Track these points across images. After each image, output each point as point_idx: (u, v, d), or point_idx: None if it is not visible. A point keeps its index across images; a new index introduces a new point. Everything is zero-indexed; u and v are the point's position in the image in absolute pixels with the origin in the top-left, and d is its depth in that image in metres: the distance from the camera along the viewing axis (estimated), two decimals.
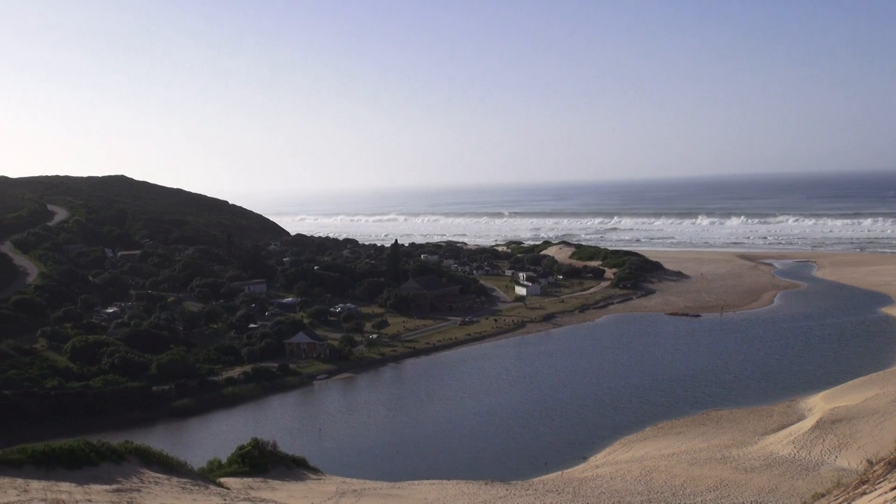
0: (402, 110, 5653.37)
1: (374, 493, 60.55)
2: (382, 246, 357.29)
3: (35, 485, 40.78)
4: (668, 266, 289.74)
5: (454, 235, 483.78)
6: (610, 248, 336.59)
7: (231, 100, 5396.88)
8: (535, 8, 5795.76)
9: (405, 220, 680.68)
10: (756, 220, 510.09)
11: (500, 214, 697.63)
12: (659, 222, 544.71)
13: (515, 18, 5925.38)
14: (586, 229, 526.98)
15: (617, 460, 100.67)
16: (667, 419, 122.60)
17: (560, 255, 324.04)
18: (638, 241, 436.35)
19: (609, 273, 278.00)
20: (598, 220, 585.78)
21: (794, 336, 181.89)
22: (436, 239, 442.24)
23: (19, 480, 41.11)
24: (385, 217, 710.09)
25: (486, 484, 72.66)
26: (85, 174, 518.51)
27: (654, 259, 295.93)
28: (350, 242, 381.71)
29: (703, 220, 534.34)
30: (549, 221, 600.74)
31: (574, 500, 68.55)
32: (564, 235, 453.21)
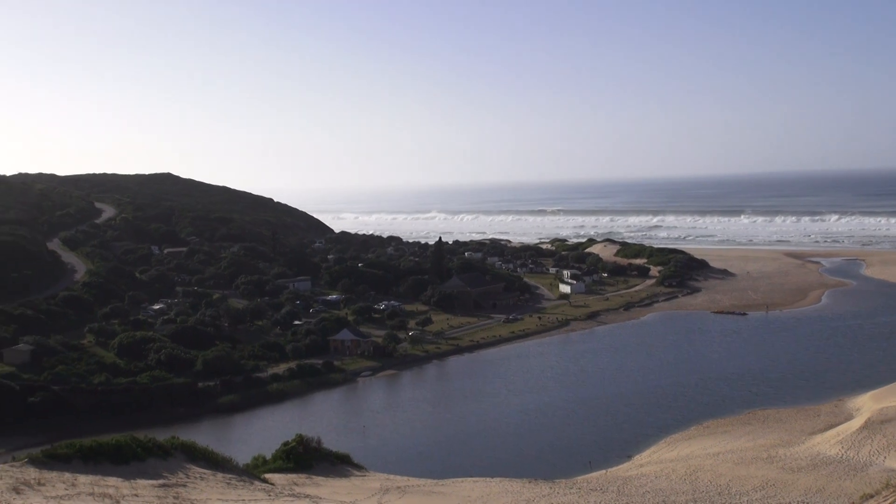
0: (432, 108, 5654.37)
1: (418, 490, 60.53)
2: (426, 243, 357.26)
3: (82, 479, 41.15)
4: (713, 264, 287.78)
5: (495, 233, 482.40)
6: (655, 246, 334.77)
7: (276, 97, 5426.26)
8: (585, 3, 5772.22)
9: (445, 218, 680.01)
10: (805, 218, 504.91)
11: (542, 212, 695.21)
12: (704, 220, 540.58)
13: (566, 12, 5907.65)
14: (630, 227, 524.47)
15: (662, 459, 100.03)
16: (712, 418, 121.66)
17: (605, 252, 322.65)
18: (682, 238, 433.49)
19: (654, 271, 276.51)
20: (642, 217, 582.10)
21: (842, 335, 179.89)
22: (475, 237, 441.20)
23: (67, 475, 41.51)
24: (425, 215, 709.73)
25: (529, 482, 72.42)
26: (132, 172, 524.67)
27: (699, 257, 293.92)
28: (394, 240, 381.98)
29: (749, 218, 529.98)
30: (592, 219, 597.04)
31: (618, 499, 68.15)
32: (608, 233, 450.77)
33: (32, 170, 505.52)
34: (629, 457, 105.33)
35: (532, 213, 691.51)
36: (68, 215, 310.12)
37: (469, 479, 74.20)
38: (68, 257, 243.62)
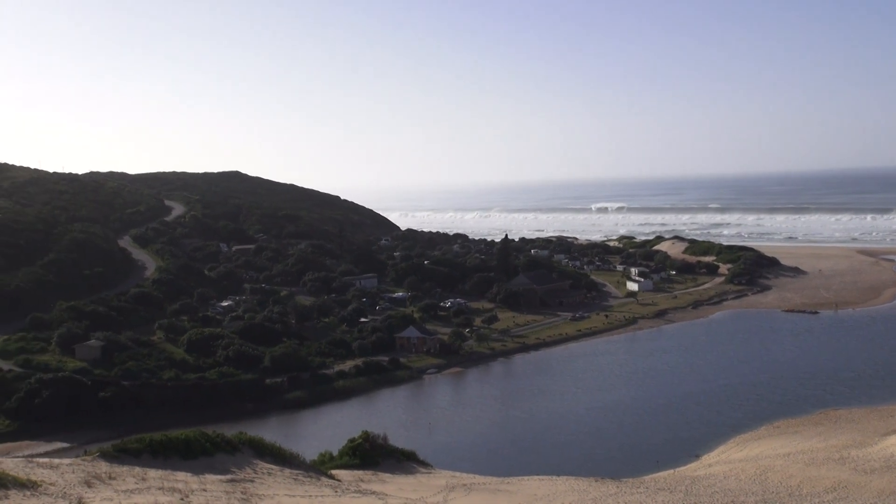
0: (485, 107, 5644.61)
1: (484, 487, 60.37)
2: (492, 241, 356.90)
3: (152, 473, 41.64)
4: (784, 262, 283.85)
5: (555, 231, 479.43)
6: (725, 244, 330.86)
7: (345, 94, 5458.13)
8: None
9: (506, 216, 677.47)
10: (881, 217, 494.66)
11: (604, 210, 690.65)
12: (772, 217, 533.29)
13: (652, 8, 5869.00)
14: (696, 224, 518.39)
15: (731, 459, 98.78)
16: (783, 418, 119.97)
17: (673, 250, 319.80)
18: (750, 235, 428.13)
19: (723, 269, 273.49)
20: (707, 214, 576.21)
21: None
22: (535, 235, 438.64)
23: (137, 469, 42.01)
24: (485, 213, 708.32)
25: (596, 481, 71.87)
26: (201, 170, 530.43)
27: (769, 255, 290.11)
28: (460, 237, 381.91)
29: (820, 216, 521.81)
30: (658, 217, 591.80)
31: (686, 499, 67.38)
32: (673, 231, 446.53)
33: (104, 168, 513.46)
34: (697, 456, 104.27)
35: (597, 211, 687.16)
36: (139, 213, 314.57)
37: (535, 477, 73.84)
38: (139, 254, 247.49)
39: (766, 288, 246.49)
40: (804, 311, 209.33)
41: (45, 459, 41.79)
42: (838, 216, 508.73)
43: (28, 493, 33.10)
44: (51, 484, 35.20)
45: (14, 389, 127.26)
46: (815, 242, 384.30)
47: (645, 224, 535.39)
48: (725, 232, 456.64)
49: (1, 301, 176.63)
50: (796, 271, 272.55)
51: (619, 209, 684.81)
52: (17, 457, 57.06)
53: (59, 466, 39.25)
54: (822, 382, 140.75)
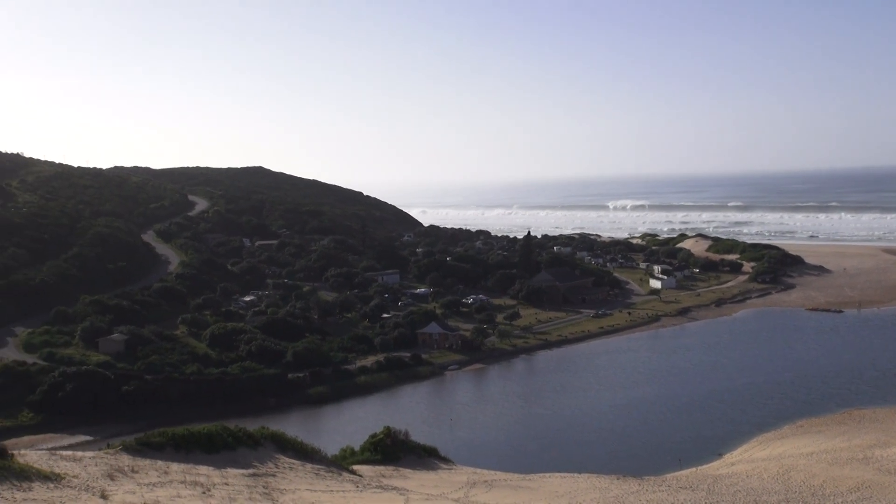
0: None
1: (505, 484, 60.29)
2: (514, 238, 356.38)
3: (175, 467, 41.78)
4: (808, 260, 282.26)
5: (574, 229, 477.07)
6: (748, 242, 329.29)
7: (366, 92, 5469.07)
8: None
9: (526, 213, 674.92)
10: None
11: (623, 208, 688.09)
12: (795, 216, 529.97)
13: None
14: (718, 222, 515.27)
15: (753, 458, 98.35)
16: (806, 417, 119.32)
17: (696, 248, 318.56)
18: (773, 234, 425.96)
19: (747, 267, 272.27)
20: (730, 213, 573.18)
21: None
22: (556, 232, 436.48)
23: (160, 462, 42.18)
24: (507, 210, 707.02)
25: (618, 478, 71.63)
26: (224, 165, 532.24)
27: (793, 253, 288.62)
28: (482, 234, 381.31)
29: (844, 214, 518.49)
30: (680, 214, 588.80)
31: (708, 498, 67.11)
32: (695, 228, 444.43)
33: (128, 163, 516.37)
34: (720, 455, 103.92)
35: (616, 209, 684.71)
36: (162, 208, 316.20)
37: (557, 474, 73.69)
38: (162, 249, 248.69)
39: (790, 286, 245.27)
40: (828, 310, 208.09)
41: (69, 452, 41.95)
42: (862, 215, 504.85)
43: (51, 485, 33.27)
44: (74, 476, 35.36)
45: (38, 382, 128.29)
46: (838, 241, 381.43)
47: (665, 222, 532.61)
48: (747, 230, 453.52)
49: (26, 295, 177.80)
50: (821, 270, 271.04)
51: (639, 207, 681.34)
52: (41, 449, 57.41)
53: (82, 459, 39.42)
54: (846, 381, 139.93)
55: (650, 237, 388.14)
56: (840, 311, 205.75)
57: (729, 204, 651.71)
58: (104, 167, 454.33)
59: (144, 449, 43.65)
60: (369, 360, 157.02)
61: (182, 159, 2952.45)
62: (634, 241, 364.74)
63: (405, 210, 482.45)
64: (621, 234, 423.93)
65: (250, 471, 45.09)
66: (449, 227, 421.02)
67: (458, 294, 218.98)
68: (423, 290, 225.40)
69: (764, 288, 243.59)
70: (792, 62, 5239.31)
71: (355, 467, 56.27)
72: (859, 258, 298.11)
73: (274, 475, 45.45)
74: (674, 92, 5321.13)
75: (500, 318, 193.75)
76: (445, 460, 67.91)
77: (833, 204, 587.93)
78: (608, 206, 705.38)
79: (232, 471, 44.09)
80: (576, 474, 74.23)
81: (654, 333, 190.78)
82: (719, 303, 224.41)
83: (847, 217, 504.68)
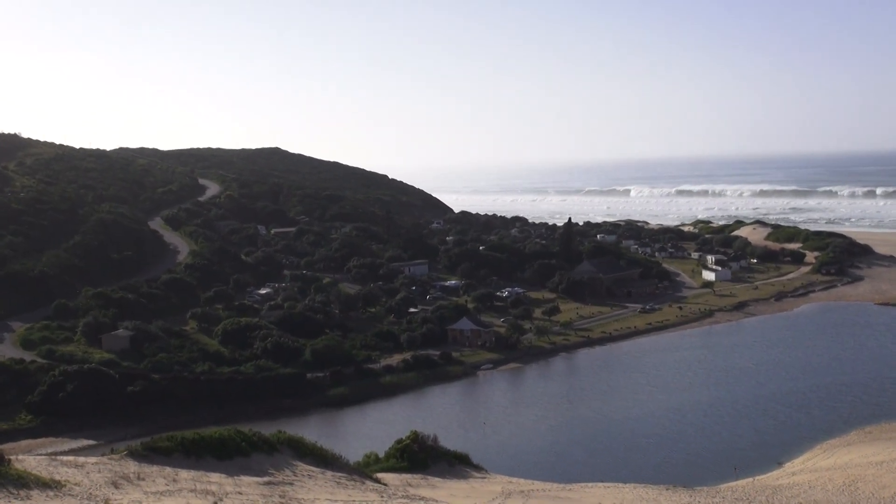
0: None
1: (543, 494, 60.33)
2: (553, 225, 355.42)
3: (184, 475, 42.05)
4: (878, 249, 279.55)
5: (622, 215, 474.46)
6: (811, 229, 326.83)
7: (390, 70, 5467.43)
8: None
9: (563, 198, 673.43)
10: None
11: (669, 193, 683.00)
12: (864, 201, 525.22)
13: None
14: (779, 208, 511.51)
15: (817, 467, 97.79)
16: (876, 422, 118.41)
17: (754, 236, 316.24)
18: (838, 220, 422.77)
19: (810, 257, 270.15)
20: (791, 198, 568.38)
21: None
22: (598, 219, 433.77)
23: (168, 469, 42.45)
24: (541, 196, 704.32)
25: (667, 489, 71.53)
26: (238, 146, 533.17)
27: (861, 241, 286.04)
28: (519, 221, 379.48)
29: None
30: (734, 200, 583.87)
31: None
32: (753, 215, 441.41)
33: (134, 144, 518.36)
34: (780, 464, 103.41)
35: (667, 195, 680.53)
36: (170, 192, 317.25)
37: (600, 483, 73.67)
38: (170, 237, 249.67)
39: (858, 278, 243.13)
40: None
41: (70, 458, 42.37)
42: None
43: (52, 493, 33.56)
44: (76, 484, 35.67)
45: (37, 382, 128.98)
46: None
47: (720, 207, 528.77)
48: (809, 216, 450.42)
49: (24, 287, 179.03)
50: (891, 260, 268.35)
51: (689, 192, 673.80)
52: (40, 455, 58.00)
53: (84, 465, 39.77)
54: None
55: (703, 224, 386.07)
56: None
57: (791, 188, 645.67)
58: (108, 148, 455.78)
59: (151, 454, 43.97)
60: (395, 359, 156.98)
61: (192, 140, 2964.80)
62: (686, 229, 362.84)
63: (434, 195, 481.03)
64: (671, 221, 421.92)
65: (265, 479, 45.32)
66: (482, 213, 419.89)
67: (491, 287, 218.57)
68: (453, 282, 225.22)
69: (829, 280, 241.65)
70: (863, 31, 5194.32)
71: (379, 475, 56.48)
72: None
73: (291, 483, 45.67)
74: (733, 62, 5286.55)
75: (537, 312, 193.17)
76: (478, 468, 68.04)
77: None
78: (653, 191, 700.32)
79: (246, 479, 44.33)
80: (621, 484, 74.16)
81: (707, 330, 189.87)
82: (779, 296, 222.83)
83: None
